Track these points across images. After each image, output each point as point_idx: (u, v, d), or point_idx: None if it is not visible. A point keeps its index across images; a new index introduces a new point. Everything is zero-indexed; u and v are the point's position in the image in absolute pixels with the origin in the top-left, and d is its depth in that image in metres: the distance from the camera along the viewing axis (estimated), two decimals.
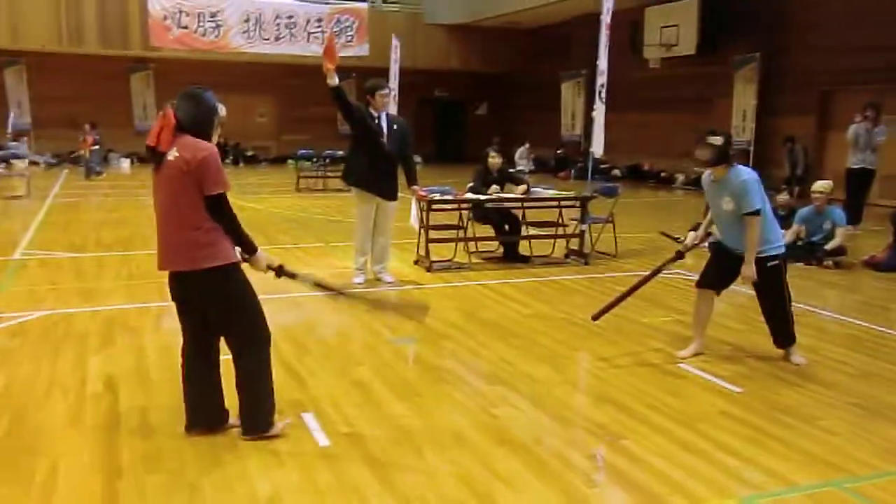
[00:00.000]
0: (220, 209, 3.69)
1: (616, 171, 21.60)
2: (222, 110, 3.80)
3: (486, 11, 23.66)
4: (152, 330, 5.90)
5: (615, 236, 9.48)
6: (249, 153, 25.67)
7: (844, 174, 12.29)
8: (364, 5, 23.76)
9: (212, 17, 22.23)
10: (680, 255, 5.63)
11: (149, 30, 21.62)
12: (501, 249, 9.30)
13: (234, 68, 24.02)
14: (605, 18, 9.41)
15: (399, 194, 7.62)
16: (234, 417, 3.98)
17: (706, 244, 5.88)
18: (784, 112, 17.34)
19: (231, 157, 25.03)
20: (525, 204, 9.12)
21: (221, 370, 3.98)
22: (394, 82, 12.47)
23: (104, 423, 4.13)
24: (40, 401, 4.44)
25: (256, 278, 3.96)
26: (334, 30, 22.65)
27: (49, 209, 13.01)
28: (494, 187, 8.77)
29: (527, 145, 24.47)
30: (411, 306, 3.77)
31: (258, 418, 3.90)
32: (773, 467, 3.73)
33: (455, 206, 8.77)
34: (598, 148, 9.52)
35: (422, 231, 8.47)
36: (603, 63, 9.36)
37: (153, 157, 3.69)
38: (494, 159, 8.93)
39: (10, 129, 20.58)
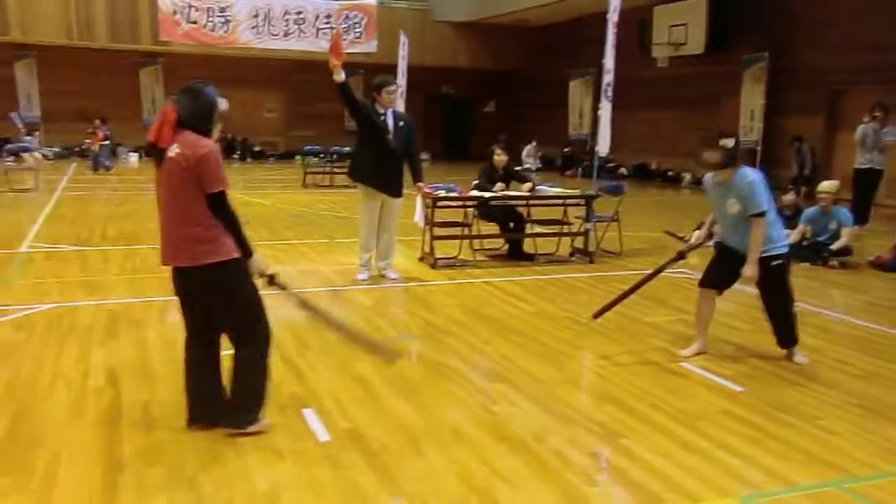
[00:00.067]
0: (220, 207, 3.68)
1: (623, 170, 21.61)
2: (223, 104, 3.79)
3: (495, 8, 23.65)
4: (156, 324, 5.93)
5: (620, 235, 9.47)
6: (257, 149, 25.75)
7: (852, 174, 12.25)
8: (373, 2, 23.78)
9: (221, 12, 22.28)
10: (681, 256, 5.62)
11: (158, 24, 21.69)
12: (506, 247, 9.30)
13: (243, 64, 24.07)
14: (612, 17, 9.37)
15: (404, 191, 7.64)
16: None
17: (710, 243, 5.86)
18: (792, 112, 17.28)
19: (239, 153, 25.11)
20: (530, 202, 9.11)
21: (223, 365, 3.99)
22: (401, 79, 12.41)
23: (106, 416, 4.15)
24: (44, 393, 4.46)
25: (268, 268, 3.97)
26: (343, 26, 22.67)
27: (57, 202, 13.06)
28: (500, 185, 8.76)
29: (534, 143, 24.44)
30: (385, 349, 3.78)
31: (244, 412, 3.90)
32: (772, 467, 3.73)
33: (460, 203, 8.78)
34: (603, 146, 9.49)
35: (426, 228, 8.48)
36: (609, 61, 9.33)
37: (154, 153, 3.70)
38: (500, 157, 8.92)
39: (20, 124, 20.67)
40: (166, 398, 4.35)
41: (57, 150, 21.68)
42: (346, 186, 14.44)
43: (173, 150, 3.63)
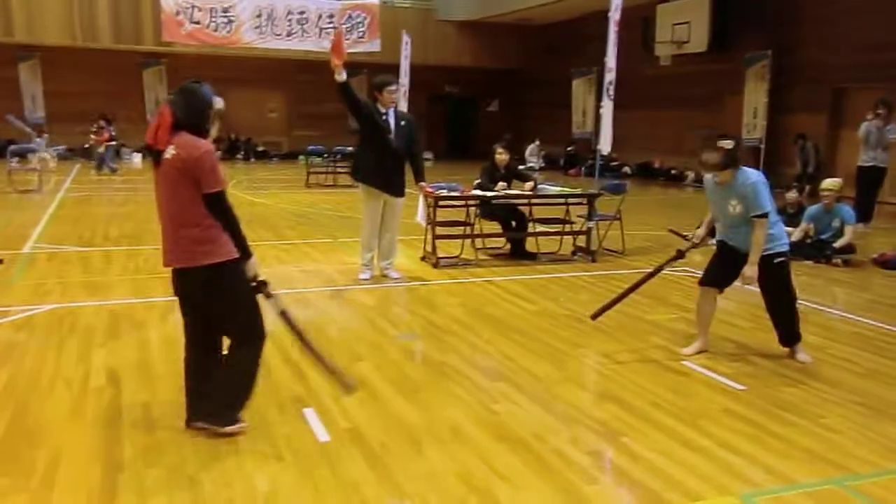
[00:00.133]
0: (217, 207, 3.68)
1: (626, 169, 21.60)
2: (219, 103, 3.78)
3: (497, 7, 23.64)
4: (157, 324, 5.93)
5: (623, 233, 9.46)
6: (260, 148, 25.78)
7: (855, 172, 12.22)
8: (376, 1, 23.77)
9: (224, 12, 22.27)
10: (680, 255, 5.62)
11: (161, 25, 21.69)
12: (508, 246, 9.30)
13: (246, 64, 24.10)
14: (614, 15, 9.38)
15: (406, 191, 7.63)
16: None
17: (712, 241, 5.85)
18: (796, 110, 17.24)
19: (242, 153, 25.14)
20: (532, 201, 9.10)
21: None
22: (404, 78, 12.40)
23: (106, 416, 4.15)
24: (44, 394, 4.47)
25: (261, 273, 3.96)
26: (346, 26, 22.66)
27: (60, 203, 13.10)
28: (501, 184, 8.75)
29: (537, 142, 24.44)
30: (343, 379, 3.78)
31: (226, 411, 3.88)
32: (773, 465, 3.71)
33: (462, 202, 8.77)
34: (605, 145, 9.49)
35: (429, 227, 8.48)
36: (611, 60, 9.33)
37: (152, 154, 3.70)
38: (501, 155, 8.91)
39: (19, 127, 20.67)
40: (167, 398, 4.35)
41: (61, 150, 21.68)
42: (350, 186, 14.44)
43: (170, 152, 3.63)
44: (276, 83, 25.97)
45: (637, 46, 20.24)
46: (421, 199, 8.58)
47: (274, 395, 4.49)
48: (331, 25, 22.88)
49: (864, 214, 11.33)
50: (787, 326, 5.36)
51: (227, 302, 3.80)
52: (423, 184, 7.87)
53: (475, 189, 8.76)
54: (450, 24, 25.44)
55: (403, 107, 10.89)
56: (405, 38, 13.28)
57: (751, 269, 5.06)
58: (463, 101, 28.52)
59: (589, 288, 7.61)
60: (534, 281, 7.89)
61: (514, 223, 9.08)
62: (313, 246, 9.61)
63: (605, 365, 5.25)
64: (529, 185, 8.91)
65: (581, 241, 9.21)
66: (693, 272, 7.54)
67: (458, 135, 28.51)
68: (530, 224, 9.19)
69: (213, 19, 22.16)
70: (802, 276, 8.05)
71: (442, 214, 8.59)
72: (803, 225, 9.20)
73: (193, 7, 21.75)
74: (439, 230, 8.49)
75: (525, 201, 9.07)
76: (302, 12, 22.99)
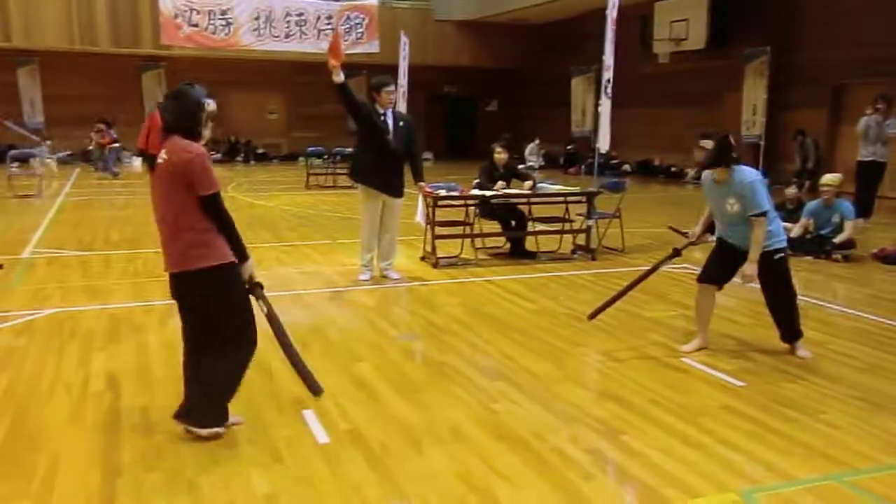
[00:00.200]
0: (213, 210, 3.67)
1: (626, 167, 21.59)
2: (210, 104, 3.76)
3: (494, 7, 23.66)
4: (156, 328, 5.93)
5: (622, 231, 9.45)
6: (260, 150, 25.78)
7: (855, 167, 12.20)
8: (374, 2, 23.74)
9: (222, 14, 22.23)
10: (677, 253, 5.62)
11: (160, 28, 21.65)
12: (508, 245, 9.29)
13: (245, 66, 24.11)
14: (611, 13, 9.37)
15: (406, 191, 7.63)
16: (233, 415, 3.99)
17: (712, 238, 5.84)
18: (795, 106, 17.23)
19: (242, 155, 25.14)
20: (531, 200, 9.10)
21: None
22: (403, 79, 12.40)
23: (105, 420, 4.15)
24: (43, 398, 4.47)
25: (259, 274, 3.97)
26: (344, 27, 22.64)
27: (60, 207, 13.10)
28: (500, 183, 8.75)
29: (537, 141, 24.43)
30: (312, 380, 3.75)
31: (209, 412, 3.87)
32: (773, 461, 3.71)
33: (461, 202, 8.77)
34: (604, 143, 9.49)
35: (428, 227, 8.48)
36: (609, 58, 9.32)
37: (145, 159, 3.71)
38: (500, 155, 8.91)
39: (18, 131, 20.69)
40: (165, 402, 4.33)
41: (61, 155, 21.69)
42: (349, 187, 14.42)
43: (162, 157, 3.63)
44: (275, 85, 25.98)
45: (635, 44, 20.24)
46: (420, 199, 8.58)
47: (273, 397, 4.50)
48: (329, 27, 22.84)
49: (863, 209, 11.32)
50: (788, 323, 5.36)
51: (222, 305, 3.79)
52: (422, 184, 7.86)
53: (474, 189, 8.76)
54: (448, 24, 25.44)
55: (402, 107, 10.90)
56: (403, 39, 13.28)
57: (750, 268, 5.06)
58: (462, 101, 28.51)
59: (589, 286, 7.60)
60: (533, 280, 7.89)
61: (513, 222, 9.08)
62: (313, 247, 9.61)
63: (605, 363, 5.24)
64: (528, 184, 8.91)
65: (581, 239, 9.20)
66: (692, 269, 7.53)
67: (457, 135, 28.49)
68: (530, 223, 9.19)
69: (212, 22, 22.13)
70: (802, 271, 8.05)
71: (441, 214, 8.60)
72: (803, 220, 9.20)
73: (192, 10, 21.72)
74: (439, 230, 8.49)
75: (524, 200, 9.06)
76: (300, 14, 22.96)
